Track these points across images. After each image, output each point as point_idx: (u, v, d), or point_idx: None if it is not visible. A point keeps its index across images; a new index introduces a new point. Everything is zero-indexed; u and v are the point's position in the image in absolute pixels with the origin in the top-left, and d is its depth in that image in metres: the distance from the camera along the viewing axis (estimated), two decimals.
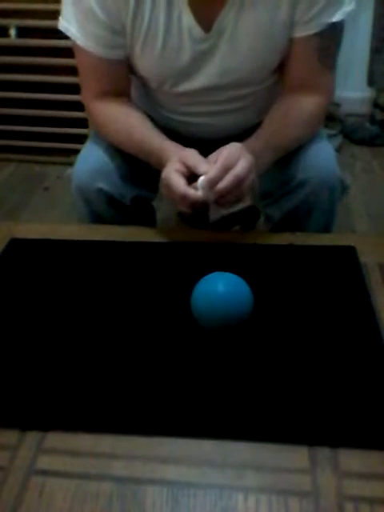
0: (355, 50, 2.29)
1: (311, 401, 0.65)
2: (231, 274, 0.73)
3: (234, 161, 0.79)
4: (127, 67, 0.96)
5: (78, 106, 2.22)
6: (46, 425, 0.63)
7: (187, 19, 0.85)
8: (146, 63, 0.93)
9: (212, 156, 0.83)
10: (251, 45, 0.88)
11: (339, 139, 2.34)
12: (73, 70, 2.33)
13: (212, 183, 0.78)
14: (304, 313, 0.77)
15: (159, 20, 0.86)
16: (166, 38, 0.88)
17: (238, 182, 0.78)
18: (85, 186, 0.99)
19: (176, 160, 0.83)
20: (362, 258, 0.86)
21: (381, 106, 2.42)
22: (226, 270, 0.74)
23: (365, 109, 2.47)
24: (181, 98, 1.00)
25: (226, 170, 0.78)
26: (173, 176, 0.81)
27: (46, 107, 2.24)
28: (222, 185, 0.78)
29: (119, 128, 0.96)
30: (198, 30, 0.87)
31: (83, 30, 0.88)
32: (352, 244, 0.89)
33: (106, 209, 1.01)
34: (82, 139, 2.28)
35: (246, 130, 1.11)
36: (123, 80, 0.99)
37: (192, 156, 0.83)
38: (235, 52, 0.89)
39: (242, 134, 1.11)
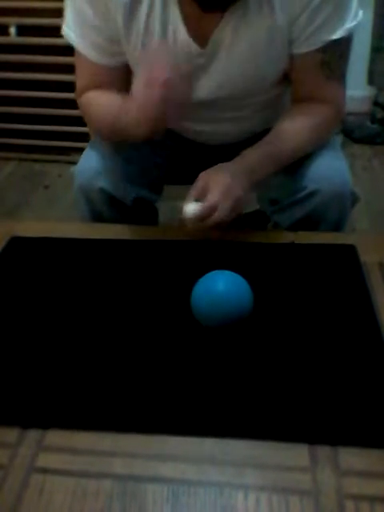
0: (355, 49, 2.26)
1: (311, 399, 0.65)
2: (231, 272, 0.73)
3: (205, 191, 0.82)
4: (126, 73, 0.95)
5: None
6: (47, 423, 0.63)
7: (182, 35, 0.85)
8: None
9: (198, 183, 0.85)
10: (247, 60, 0.88)
11: (339, 138, 2.34)
12: (72, 68, 2.33)
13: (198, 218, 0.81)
14: (304, 311, 0.77)
15: (153, 36, 0.85)
16: None
17: (211, 211, 0.80)
18: (86, 185, 0.99)
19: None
20: (363, 257, 0.86)
21: (381, 104, 2.42)
22: (226, 269, 0.74)
23: (365, 107, 2.47)
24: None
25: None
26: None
27: (46, 105, 2.24)
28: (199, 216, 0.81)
29: (101, 108, 0.96)
30: (193, 46, 0.86)
31: (83, 37, 0.89)
32: (352, 243, 0.89)
33: (107, 209, 1.01)
34: (82, 137, 2.28)
35: (253, 136, 1.11)
36: (121, 84, 0.97)
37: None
38: (231, 67, 0.89)
39: (247, 140, 1.11)
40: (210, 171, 0.86)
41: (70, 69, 2.12)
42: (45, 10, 1.99)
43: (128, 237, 0.95)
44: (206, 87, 0.93)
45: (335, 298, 0.79)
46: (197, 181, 0.84)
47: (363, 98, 2.48)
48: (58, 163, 2.33)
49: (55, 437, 0.62)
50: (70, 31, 0.90)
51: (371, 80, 2.39)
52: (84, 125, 2.33)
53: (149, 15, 0.83)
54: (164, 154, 1.10)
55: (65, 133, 2.30)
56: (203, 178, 0.84)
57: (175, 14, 0.83)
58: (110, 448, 0.61)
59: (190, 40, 0.85)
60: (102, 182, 0.97)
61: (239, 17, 0.83)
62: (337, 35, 0.84)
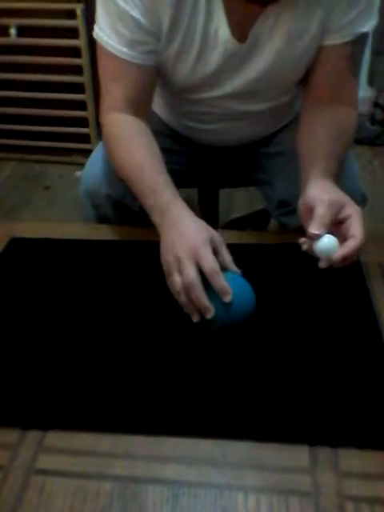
0: None
1: (312, 401, 0.65)
2: (233, 274, 0.73)
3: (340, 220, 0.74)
4: (155, 76, 0.92)
5: (79, 105, 2.23)
6: (47, 424, 0.63)
7: (224, 31, 0.83)
8: (176, 75, 0.91)
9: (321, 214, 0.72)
10: (282, 54, 0.86)
11: None
12: (73, 69, 2.35)
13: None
14: (304, 312, 0.77)
15: (196, 33, 0.83)
16: (201, 52, 0.86)
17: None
18: (93, 190, 0.98)
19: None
20: (363, 258, 0.86)
21: (381, 105, 2.42)
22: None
23: (365, 108, 2.47)
24: (198, 103, 0.98)
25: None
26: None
27: (47, 106, 2.24)
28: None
29: (132, 152, 0.87)
30: (233, 43, 0.85)
31: (118, 35, 0.85)
32: None
33: (114, 214, 1.00)
34: (82, 138, 2.29)
35: (260, 139, 1.11)
36: (148, 92, 0.93)
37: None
38: (266, 61, 0.87)
39: (255, 143, 1.11)
40: (324, 192, 0.74)
41: (70, 70, 2.14)
42: (45, 11, 1.99)
43: (129, 238, 0.95)
44: (238, 82, 0.91)
45: (335, 298, 0.79)
46: (317, 204, 0.72)
47: (363, 100, 2.48)
48: (59, 164, 2.33)
49: (55, 438, 0.62)
50: (101, 31, 0.86)
51: (371, 81, 2.39)
52: (84, 126, 2.35)
53: (193, 11, 0.82)
54: (176, 160, 1.09)
55: (65, 134, 2.30)
56: (326, 201, 0.72)
57: (219, 10, 0.82)
58: (111, 449, 0.61)
59: (232, 38, 0.84)
60: (108, 189, 0.96)
61: (278, 9, 0.82)
62: (366, 28, 0.85)
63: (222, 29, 0.83)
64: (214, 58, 0.86)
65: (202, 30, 0.83)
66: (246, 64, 0.88)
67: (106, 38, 0.86)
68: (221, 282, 0.68)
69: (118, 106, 0.90)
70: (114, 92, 0.90)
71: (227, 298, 0.68)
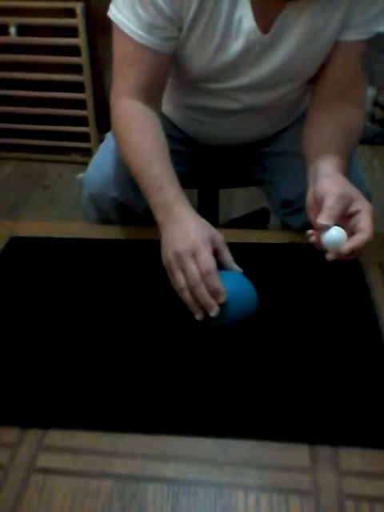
0: None
1: (312, 399, 0.65)
2: (236, 273, 0.73)
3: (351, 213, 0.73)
4: (170, 65, 0.90)
5: (79, 104, 2.23)
6: (47, 423, 0.64)
7: (248, 21, 0.82)
8: (195, 63, 0.90)
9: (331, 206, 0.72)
10: (303, 47, 0.86)
11: None
12: (73, 68, 2.34)
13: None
14: (305, 312, 0.77)
15: (219, 22, 0.83)
16: (222, 42, 0.85)
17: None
18: (97, 194, 0.97)
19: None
20: (362, 257, 0.86)
21: (381, 104, 2.42)
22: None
23: (365, 107, 2.47)
24: (212, 94, 0.97)
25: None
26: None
27: (46, 105, 2.24)
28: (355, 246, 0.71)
29: (142, 145, 0.86)
30: (256, 34, 0.84)
31: (136, 18, 0.83)
32: None
33: (118, 217, 1.00)
34: (82, 137, 2.29)
35: (262, 139, 1.10)
36: (162, 79, 0.92)
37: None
38: (285, 53, 0.87)
39: (259, 142, 1.11)
40: (335, 185, 0.74)
41: (70, 68, 2.13)
42: (45, 9, 1.99)
43: (130, 237, 0.95)
44: (256, 73, 0.90)
45: (336, 298, 0.79)
46: (327, 196, 0.72)
47: None
48: (58, 163, 2.33)
49: (55, 437, 0.62)
50: (119, 13, 0.84)
51: (372, 80, 2.39)
52: (84, 125, 2.34)
53: (218, 3, 0.81)
54: (180, 161, 1.08)
55: (65, 133, 2.30)
56: (336, 193, 0.72)
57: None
58: (111, 448, 0.61)
59: (255, 26, 0.83)
60: (114, 192, 0.96)
61: (301, 3, 0.81)
62: (382, 28, 0.84)
63: (246, 18, 0.82)
64: (235, 47, 0.85)
65: (226, 18, 0.82)
66: (266, 55, 0.87)
67: (124, 21, 0.84)
68: (213, 283, 0.68)
69: (130, 93, 0.88)
70: (128, 77, 0.88)
71: (220, 300, 0.68)
